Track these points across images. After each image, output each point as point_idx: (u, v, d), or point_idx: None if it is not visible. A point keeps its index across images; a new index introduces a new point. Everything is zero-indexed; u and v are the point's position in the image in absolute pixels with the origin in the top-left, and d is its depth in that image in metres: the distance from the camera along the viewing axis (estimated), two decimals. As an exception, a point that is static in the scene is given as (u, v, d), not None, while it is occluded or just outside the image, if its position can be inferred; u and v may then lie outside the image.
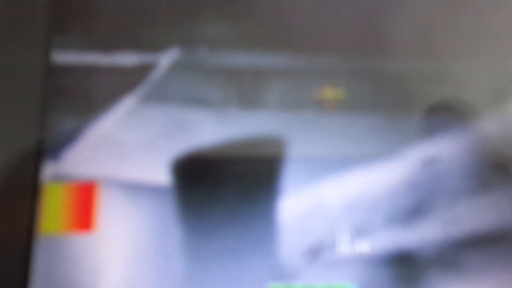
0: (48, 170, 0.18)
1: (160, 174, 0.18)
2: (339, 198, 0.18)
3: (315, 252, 0.17)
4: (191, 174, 0.18)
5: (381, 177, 0.18)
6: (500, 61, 0.19)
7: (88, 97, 0.19)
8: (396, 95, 0.19)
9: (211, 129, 0.19)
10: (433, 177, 0.18)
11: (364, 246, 0.17)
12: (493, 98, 0.19)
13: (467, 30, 0.19)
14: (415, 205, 0.18)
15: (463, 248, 0.17)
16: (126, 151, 0.19)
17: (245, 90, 0.19)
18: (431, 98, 0.19)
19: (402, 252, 0.17)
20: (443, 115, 0.18)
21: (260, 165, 0.18)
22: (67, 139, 0.19)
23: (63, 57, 0.19)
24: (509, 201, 0.18)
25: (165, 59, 0.20)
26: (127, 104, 0.19)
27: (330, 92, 0.19)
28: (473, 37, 0.19)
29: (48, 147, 0.19)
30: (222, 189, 0.18)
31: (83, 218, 0.18)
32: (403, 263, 0.17)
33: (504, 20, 0.20)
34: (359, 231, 0.18)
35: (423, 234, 0.17)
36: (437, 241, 0.17)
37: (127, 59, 0.20)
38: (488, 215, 0.18)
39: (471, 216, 0.18)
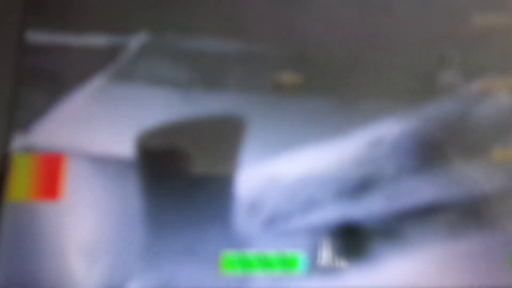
0: (18, 141, 0.19)
1: (124, 149, 0.20)
2: (293, 173, 0.19)
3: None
4: (153, 149, 0.20)
5: (331, 155, 0.20)
6: (432, 47, 0.21)
7: (59, 75, 0.20)
8: (347, 82, 0.21)
9: (175, 108, 0.20)
10: (378, 156, 0.19)
11: (314, 218, 0.19)
12: (428, 85, 0.20)
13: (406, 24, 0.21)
14: (362, 181, 0.19)
15: (404, 220, 0.19)
16: (94, 126, 0.20)
17: (208, 73, 0.21)
18: (377, 85, 0.21)
19: (349, 223, 0.19)
20: None
21: (218, 143, 0.20)
22: (37, 113, 0.20)
23: (37, 36, 0.20)
24: (445, 178, 0.19)
25: (134, 42, 0.21)
26: (96, 83, 0.20)
27: (287, 78, 0.21)
28: (410, 31, 0.21)
29: (18, 121, 0.20)
30: (181, 163, 0.19)
31: (50, 187, 0.19)
32: (350, 234, 0.19)
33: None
34: (310, 204, 0.19)
35: (368, 207, 0.19)
36: (381, 213, 0.19)
37: (98, 40, 0.21)
38: (427, 190, 0.19)
39: (411, 191, 0.19)
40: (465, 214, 0.19)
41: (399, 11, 0.21)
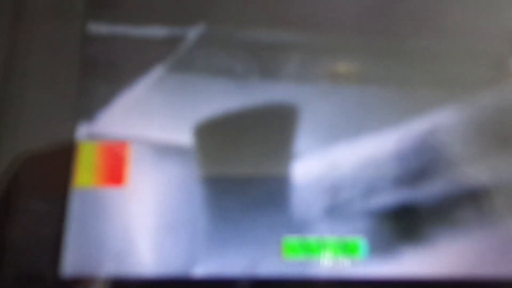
0: (84, 130, 0.20)
1: (184, 137, 0.20)
2: (352, 161, 0.20)
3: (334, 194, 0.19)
4: (213, 137, 0.20)
5: (390, 143, 0.20)
6: (498, 38, 0.21)
7: (120, 65, 0.21)
8: (405, 71, 0.21)
9: (233, 98, 0.21)
10: (436, 143, 0.20)
11: (374, 203, 0.19)
12: (490, 74, 0.20)
13: (468, 11, 0.21)
14: (420, 168, 0.19)
15: (459, 205, 0.19)
16: (154, 115, 0.20)
17: (265, 63, 0.21)
18: (435, 74, 0.21)
19: (408, 208, 0.19)
20: None
21: (277, 128, 0.20)
22: (101, 103, 0.20)
23: (99, 28, 0.21)
24: (503, 164, 0.19)
25: (192, 33, 0.21)
26: (156, 73, 0.21)
27: (343, 67, 0.21)
28: (474, 17, 0.21)
29: (84, 110, 0.20)
30: (241, 150, 0.20)
31: (115, 173, 0.20)
32: (407, 218, 0.19)
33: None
34: (369, 190, 0.19)
35: (425, 193, 0.19)
36: (440, 199, 0.19)
37: (158, 32, 0.21)
38: (483, 175, 0.19)
39: (469, 177, 0.19)
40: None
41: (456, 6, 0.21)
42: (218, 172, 0.20)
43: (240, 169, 0.20)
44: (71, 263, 0.19)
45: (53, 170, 0.19)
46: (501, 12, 0.21)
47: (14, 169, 0.19)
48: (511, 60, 0.21)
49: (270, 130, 0.20)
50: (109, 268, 0.19)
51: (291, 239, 0.19)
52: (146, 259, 0.19)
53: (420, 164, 0.19)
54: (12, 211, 0.19)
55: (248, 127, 0.20)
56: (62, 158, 0.20)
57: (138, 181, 0.19)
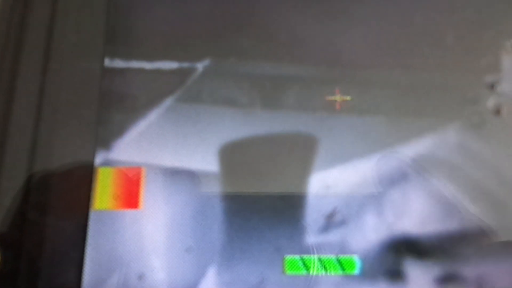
0: (102, 157, 0.22)
1: (194, 162, 0.22)
2: (346, 185, 0.21)
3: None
4: (227, 160, 0.22)
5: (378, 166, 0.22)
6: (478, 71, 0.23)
7: (135, 97, 0.23)
8: (395, 101, 0.23)
9: (238, 126, 0.23)
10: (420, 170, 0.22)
11: (367, 225, 0.21)
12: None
13: (450, 45, 0.23)
14: (407, 195, 0.21)
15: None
16: (166, 142, 0.22)
17: (267, 94, 0.23)
18: (423, 104, 0.23)
19: (403, 237, 0.21)
20: None
21: (293, 159, 0.22)
22: (117, 131, 0.22)
23: (116, 63, 0.23)
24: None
25: (200, 67, 0.23)
26: (167, 104, 0.23)
27: (339, 98, 0.23)
28: (455, 51, 0.23)
29: (101, 138, 0.22)
30: (254, 170, 0.22)
31: (131, 198, 0.22)
32: (402, 246, 0.21)
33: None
34: (362, 213, 0.21)
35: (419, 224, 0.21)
36: (433, 231, 0.21)
37: (168, 66, 0.23)
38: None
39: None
40: None
41: (442, 35, 0.23)
42: (232, 189, 0.21)
43: (251, 189, 0.22)
44: (88, 281, 0.20)
45: (73, 194, 0.21)
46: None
47: (36, 187, 0.21)
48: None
49: (288, 157, 0.22)
50: (126, 286, 0.20)
51: (292, 257, 0.21)
52: (157, 278, 0.21)
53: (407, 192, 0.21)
54: (35, 228, 0.21)
55: (262, 151, 0.22)
56: (82, 183, 0.22)
57: (153, 204, 0.21)
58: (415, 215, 0.21)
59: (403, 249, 0.20)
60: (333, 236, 0.21)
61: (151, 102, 0.23)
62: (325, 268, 0.20)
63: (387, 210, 0.21)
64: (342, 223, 0.21)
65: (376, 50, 0.23)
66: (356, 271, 0.20)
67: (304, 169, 0.22)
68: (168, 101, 0.23)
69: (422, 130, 0.22)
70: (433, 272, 0.20)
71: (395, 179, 0.21)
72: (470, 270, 0.20)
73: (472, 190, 0.21)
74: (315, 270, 0.20)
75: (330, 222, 0.21)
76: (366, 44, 0.23)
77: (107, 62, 0.23)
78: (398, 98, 0.23)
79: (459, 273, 0.20)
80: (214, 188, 0.22)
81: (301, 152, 0.22)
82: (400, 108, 0.23)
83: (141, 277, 0.20)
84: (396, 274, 0.20)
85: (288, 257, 0.21)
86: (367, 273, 0.20)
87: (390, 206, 0.21)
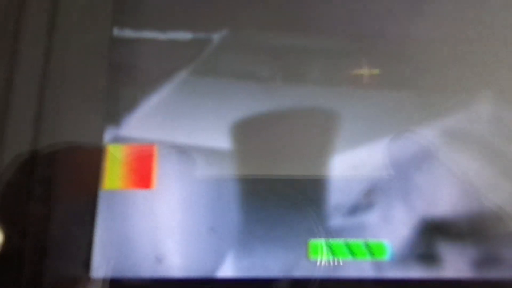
0: (111, 133, 0.20)
1: (208, 139, 0.20)
2: (373, 163, 0.20)
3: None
4: (246, 138, 0.20)
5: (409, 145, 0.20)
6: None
7: (146, 70, 0.21)
8: (421, 75, 0.21)
9: (257, 101, 0.21)
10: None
11: (399, 208, 0.19)
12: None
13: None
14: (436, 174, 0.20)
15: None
16: (180, 118, 0.21)
17: (288, 68, 0.21)
18: (451, 77, 0.21)
19: (432, 219, 0.19)
20: None
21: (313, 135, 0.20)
22: (128, 107, 0.21)
23: (125, 33, 0.22)
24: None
25: (217, 38, 0.22)
26: (181, 77, 0.21)
27: (366, 71, 0.21)
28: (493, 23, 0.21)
29: (111, 113, 0.21)
30: (275, 151, 0.20)
31: (143, 177, 0.20)
32: (434, 229, 0.19)
33: None
34: (394, 193, 0.20)
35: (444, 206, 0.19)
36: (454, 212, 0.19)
37: (183, 36, 0.22)
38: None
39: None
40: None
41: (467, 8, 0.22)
42: (250, 172, 0.20)
43: (271, 170, 0.20)
44: (98, 263, 0.19)
45: (82, 173, 0.20)
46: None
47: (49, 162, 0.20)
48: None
49: (308, 134, 0.20)
50: (136, 269, 0.19)
51: (317, 242, 0.19)
52: (174, 261, 0.19)
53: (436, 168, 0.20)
54: (41, 206, 0.19)
55: (283, 128, 0.21)
56: (91, 161, 0.20)
57: (166, 183, 0.20)
58: (445, 196, 0.20)
59: (436, 232, 0.19)
60: (361, 220, 0.19)
61: (163, 76, 0.21)
62: (352, 253, 0.19)
63: (416, 192, 0.20)
64: (371, 206, 0.19)
65: (406, 20, 0.22)
66: (386, 256, 0.19)
67: (329, 149, 0.20)
68: (181, 74, 0.21)
69: (453, 105, 0.20)
70: (471, 255, 0.19)
71: (419, 160, 0.20)
72: (509, 252, 0.19)
73: (506, 167, 0.20)
74: (342, 255, 0.19)
75: (364, 203, 0.19)
76: (395, 13, 0.22)
77: (116, 31, 0.21)
78: (429, 72, 0.21)
79: (497, 256, 0.19)
80: (231, 169, 0.20)
81: (325, 130, 0.21)
82: (431, 82, 0.21)
83: (159, 259, 0.19)
84: (430, 258, 0.19)
85: (313, 241, 0.19)
86: (398, 259, 0.19)
87: (418, 188, 0.20)
